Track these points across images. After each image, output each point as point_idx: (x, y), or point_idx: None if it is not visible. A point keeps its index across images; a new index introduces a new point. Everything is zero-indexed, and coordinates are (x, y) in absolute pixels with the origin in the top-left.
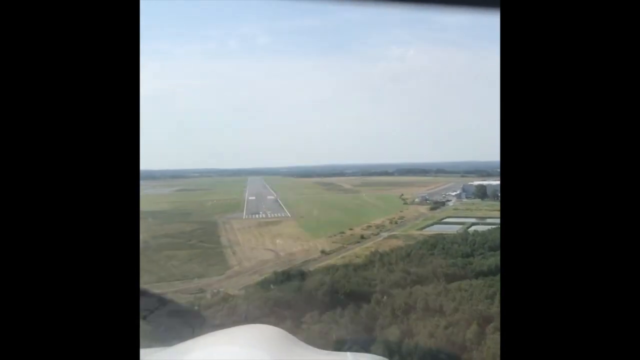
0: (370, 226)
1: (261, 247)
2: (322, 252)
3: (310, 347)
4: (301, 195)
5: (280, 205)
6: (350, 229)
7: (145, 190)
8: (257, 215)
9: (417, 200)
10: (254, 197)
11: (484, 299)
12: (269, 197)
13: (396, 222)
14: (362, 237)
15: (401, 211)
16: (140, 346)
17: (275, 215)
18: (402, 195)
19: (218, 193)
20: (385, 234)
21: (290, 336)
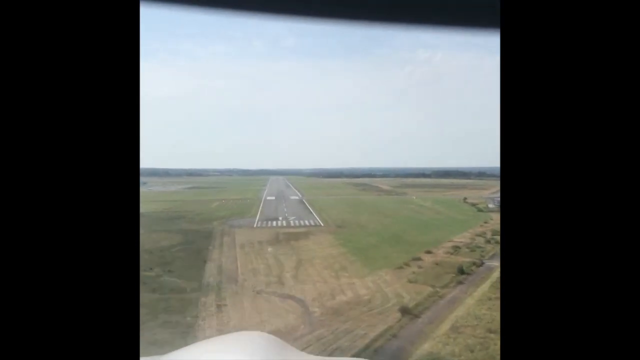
0: (457, 247)
1: (274, 289)
2: (402, 310)
3: (304, 354)
4: (332, 196)
5: (307, 208)
6: (429, 252)
7: (152, 187)
8: (275, 223)
9: (491, 206)
10: (273, 197)
11: None
12: (292, 197)
13: (496, 241)
14: (462, 271)
15: (486, 222)
16: None
17: (301, 222)
18: (466, 198)
19: (231, 192)
20: (496, 264)
21: (284, 343)
